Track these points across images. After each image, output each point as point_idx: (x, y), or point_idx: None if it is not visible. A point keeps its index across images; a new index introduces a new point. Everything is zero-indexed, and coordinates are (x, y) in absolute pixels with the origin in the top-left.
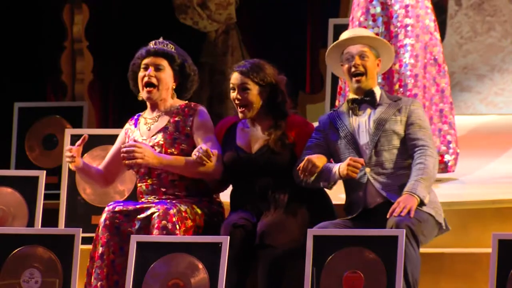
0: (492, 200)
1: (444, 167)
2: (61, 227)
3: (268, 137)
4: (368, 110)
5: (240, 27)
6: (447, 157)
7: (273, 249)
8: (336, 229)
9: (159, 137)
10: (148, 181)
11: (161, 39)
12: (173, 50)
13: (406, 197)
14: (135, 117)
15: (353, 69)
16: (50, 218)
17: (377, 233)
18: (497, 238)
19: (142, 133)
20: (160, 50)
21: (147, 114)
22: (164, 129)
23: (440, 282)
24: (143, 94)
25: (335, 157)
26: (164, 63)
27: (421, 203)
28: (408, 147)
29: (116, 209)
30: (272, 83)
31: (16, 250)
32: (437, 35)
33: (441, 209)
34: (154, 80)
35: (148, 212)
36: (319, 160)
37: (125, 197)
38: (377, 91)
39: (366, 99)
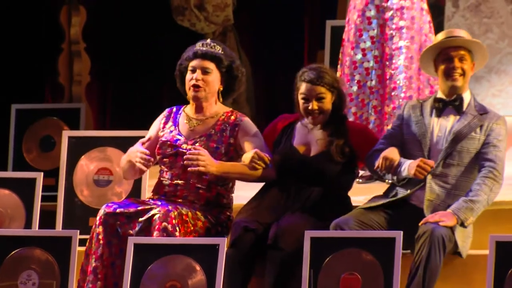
0: (493, 202)
1: None
2: (59, 229)
3: (329, 143)
4: (452, 117)
5: (238, 29)
6: None
7: (284, 252)
8: (333, 231)
9: (202, 142)
10: (177, 181)
11: (208, 41)
12: (220, 52)
13: (447, 213)
14: (174, 109)
15: (451, 71)
16: (48, 220)
17: (374, 235)
18: (494, 240)
19: (181, 130)
20: (207, 53)
21: (190, 111)
22: (208, 136)
23: (438, 283)
24: (190, 94)
25: (404, 149)
26: (211, 65)
27: (462, 224)
28: (479, 163)
29: (118, 211)
30: (338, 87)
31: (13, 252)
32: (433, 36)
33: (469, 241)
34: (201, 83)
35: (149, 214)
36: (394, 153)
37: (123, 199)
38: (466, 98)
39: (453, 103)
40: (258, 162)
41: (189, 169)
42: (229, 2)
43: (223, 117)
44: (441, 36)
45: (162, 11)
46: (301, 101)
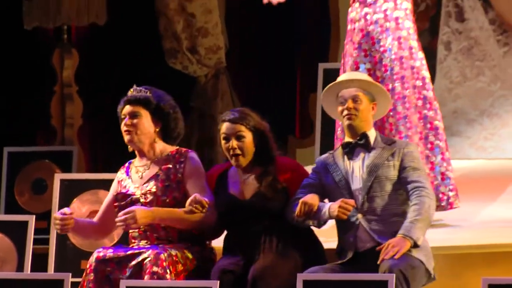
0: (481, 244)
1: (447, 203)
2: (51, 272)
3: (259, 184)
4: (362, 154)
5: (230, 71)
6: (448, 193)
7: None
8: (326, 274)
9: (151, 185)
10: (141, 227)
11: (134, 87)
12: (147, 94)
13: (398, 240)
14: (126, 165)
15: (345, 112)
16: (40, 263)
17: (367, 278)
18: (487, 283)
19: (134, 181)
20: (133, 98)
21: (137, 162)
22: (155, 177)
23: None
24: (126, 142)
25: (329, 200)
26: (140, 109)
27: (415, 245)
28: (404, 190)
29: (107, 256)
30: (260, 129)
31: None
32: (426, 73)
33: (432, 257)
34: (130, 128)
35: (139, 258)
36: (314, 199)
37: (115, 241)
38: (371, 134)
39: (359, 143)
40: (195, 206)
41: (122, 228)
42: (221, 45)
43: (168, 156)
44: (339, 79)
45: (155, 54)
46: (222, 142)
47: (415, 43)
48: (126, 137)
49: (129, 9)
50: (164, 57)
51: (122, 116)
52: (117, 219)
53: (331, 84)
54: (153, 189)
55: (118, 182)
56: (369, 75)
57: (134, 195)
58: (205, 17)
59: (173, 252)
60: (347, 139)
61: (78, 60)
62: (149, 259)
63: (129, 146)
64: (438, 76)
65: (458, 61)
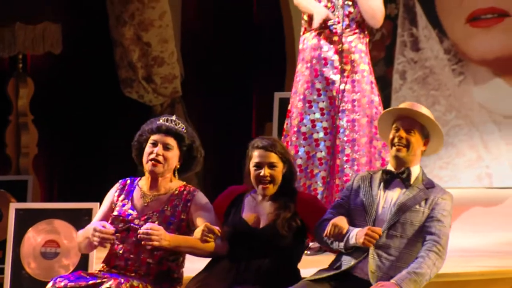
0: (437, 274)
1: None
2: None
3: (276, 217)
4: (398, 189)
5: (186, 100)
6: None
7: None
8: None
9: (154, 219)
10: (128, 256)
11: (174, 117)
12: (183, 130)
13: (390, 284)
14: (129, 182)
15: (395, 140)
16: None
17: None
18: None
19: (135, 206)
20: (171, 129)
21: (145, 186)
22: (161, 212)
23: None
24: (147, 167)
25: (350, 218)
26: (173, 142)
27: None
28: (422, 237)
29: (69, 286)
30: (289, 160)
31: None
32: (381, 109)
33: None
34: (160, 159)
35: None
36: (343, 222)
37: (70, 271)
38: (415, 171)
39: (400, 176)
40: (209, 234)
41: (143, 242)
42: (177, 74)
43: (176, 192)
44: (402, 105)
45: (110, 83)
46: (252, 169)
47: (373, 78)
48: (152, 167)
49: (84, 39)
50: (119, 86)
51: (152, 142)
52: (141, 231)
53: (391, 109)
54: (156, 223)
55: (116, 200)
56: (330, 103)
57: (133, 222)
58: (161, 46)
59: (135, 283)
60: (390, 167)
61: (34, 89)
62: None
63: (144, 170)
64: (393, 105)
65: (413, 90)
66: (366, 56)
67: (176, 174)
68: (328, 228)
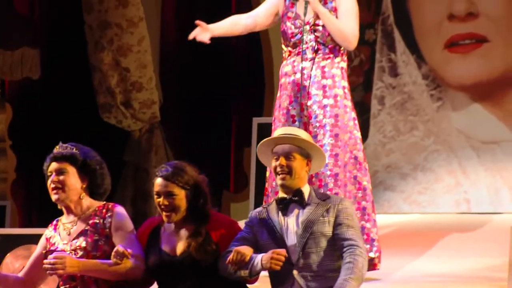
0: None
1: (369, 264)
2: None
3: (189, 244)
4: (296, 211)
5: (164, 126)
6: (371, 255)
7: None
8: None
9: (81, 240)
10: (72, 283)
11: (60, 143)
12: (73, 150)
13: None
14: (54, 222)
15: (278, 169)
16: None
17: None
18: None
19: (62, 238)
20: (59, 154)
21: (65, 219)
22: (84, 232)
23: None
24: (53, 200)
25: (263, 253)
26: (66, 165)
27: None
28: (338, 247)
29: None
30: (195, 185)
31: None
32: (357, 133)
33: None
34: (57, 185)
35: None
36: (246, 249)
37: None
38: (306, 190)
39: (294, 199)
40: (118, 257)
41: (47, 272)
42: (155, 99)
43: (95, 211)
44: (275, 133)
45: (89, 108)
46: (155, 197)
47: (349, 103)
48: (54, 196)
49: (63, 64)
50: (98, 111)
51: (49, 174)
52: (46, 261)
53: (265, 140)
54: (83, 244)
55: (47, 239)
56: (305, 129)
57: (64, 251)
58: (140, 71)
59: None
60: (281, 194)
61: (12, 115)
62: None
63: (58, 204)
64: (371, 130)
65: (391, 115)
66: (341, 80)
67: (85, 194)
68: (231, 255)
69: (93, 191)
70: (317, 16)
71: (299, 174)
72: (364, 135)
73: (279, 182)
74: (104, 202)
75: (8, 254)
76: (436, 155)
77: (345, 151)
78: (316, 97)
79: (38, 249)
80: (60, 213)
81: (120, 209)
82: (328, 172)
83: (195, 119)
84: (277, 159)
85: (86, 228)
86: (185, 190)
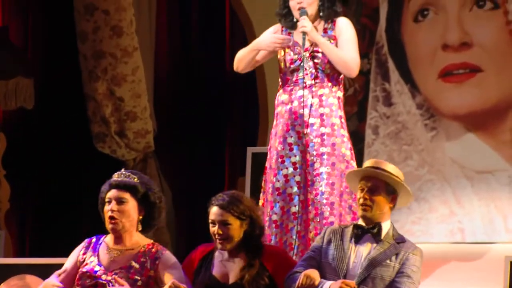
0: None
1: None
2: None
3: (242, 275)
4: (369, 244)
5: (158, 155)
6: None
7: None
8: None
9: (121, 274)
10: None
11: (123, 171)
12: (135, 180)
13: None
14: (94, 240)
15: (361, 201)
16: None
17: None
18: None
19: (101, 260)
20: (121, 183)
21: (112, 243)
22: (128, 268)
23: None
24: (108, 227)
25: (321, 271)
26: (127, 195)
27: None
28: None
29: None
30: (252, 216)
31: None
32: (354, 163)
33: None
34: (116, 215)
35: None
36: (315, 273)
37: None
38: (385, 226)
39: (371, 231)
40: None
41: None
42: (150, 129)
43: (144, 249)
44: (366, 164)
45: (83, 138)
46: (210, 225)
47: (345, 132)
48: (110, 225)
49: (57, 93)
50: (92, 141)
51: (107, 200)
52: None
53: (354, 170)
54: (123, 279)
55: (82, 256)
56: (302, 157)
57: (100, 278)
58: (134, 101)
59: None
60: (361, 222)
61: (6, 144)
62: None
63: (109, 229)
64: (366, 160)
65: (386, 145)
66: (338, 109)
67: (140, 226)
68: (300, 279)
69: (146, 224)
70: (316, 43)
71: (382, 209)
72: (359, 165)
73: (360, 213)
74: (153, 242)
75: (1, 284)
76: (430, 184)
77: (341, 180)
78: (314, 126)
79: (67, 265)
80: (57, 243)
81: (168, 253)
82: (324, 201)
83: (189, 148)
84: (362, 191)
85: (132, 264)
86: (240, 220)
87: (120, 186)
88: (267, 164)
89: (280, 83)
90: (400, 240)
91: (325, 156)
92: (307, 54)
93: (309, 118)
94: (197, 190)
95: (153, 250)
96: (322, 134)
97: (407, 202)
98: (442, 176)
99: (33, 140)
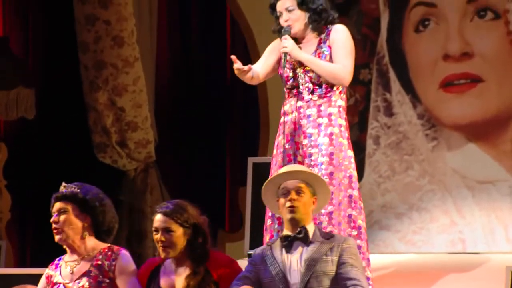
0: None
1: None
2: None
3: (187, 284)
4: (300, 248)
5: (159, 165)
6: None
7: None
8: None
9: (84, 281)
10: None
11: (63, 183)
12: (74, 189)
13: None
14: (56, 261)
15: (288, 204)
16: None
17: None
18: None
19: (64, 277)
20: (60, 194)
21: (68, 257)
22: (87, 273)
23: None
24: (55, 239)
25: None
26: (68, 205)
27: None
28: (341, 287)
29: None
30: (195, 224)
31: None
32: (353, 172)
33: None
34: (57, 225)
35: None
36: None
37: None
38: (310, 228)
39: (298, 236)
40: None
41: None
42: (151, 139)
43: (100, 252)
44: (280, 171)
45: (84, 148)
46: (153, 233)
47: (345, 141)
48: (56, 236)
49: (58, 104)
50: (93, 151)
51: (52, 213)
52: None
53: (274, 175)
54: (86, 285)
55: (47, 278)
56: (289, 160)
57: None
58: (135, 111)
59: None
60: (286, 232)
61: (7, 155)
62: None
63: (58, 241)
64: (367, 170)
65: (387, 155)
66: (337, 118)
67: (88, 233)
68: None
69: (97, 229)
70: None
71: (307, 210)
72: (360, 175)
73: (288, 216)
74: (109, 245)
75: None
76: (431, 194)
77: (340, 190)
78: (312, 136)
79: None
80: (57, 252)
81: (125, 253)
82: (323, 211)
83: (190, 158)
84: (286, 195)
85: (90, 269)
86: (183, 228)
87: (60, 197)
88: (271, 172)
89: (285, 95)
90: (328, 236)
91: (323, 166)
92: (301, 69)
93: (306, 128)
94: (198, 200)
95: (109, 252)
96: (320, 144)
97: (323, 205)
98: (443, 186)
99: (34, 150)
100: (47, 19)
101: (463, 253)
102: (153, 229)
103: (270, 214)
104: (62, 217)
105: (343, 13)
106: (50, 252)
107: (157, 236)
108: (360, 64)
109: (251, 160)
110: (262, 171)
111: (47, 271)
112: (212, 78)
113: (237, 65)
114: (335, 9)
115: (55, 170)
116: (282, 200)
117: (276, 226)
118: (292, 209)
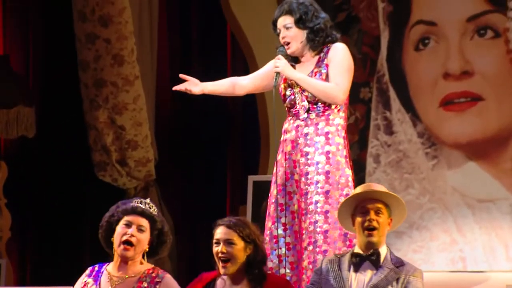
0: None
1: None
2: None
3: None
4: (369, 271)
5: (160, 184)
6: None
7: None
8: None
9: None
10: None
11: (148, 200)
12: (156, 213)
13: None
14: (97, 268)
15: (366, 223)
16: None
17: None
18: None
19: None
20: (145, 211)
21: (113, 270)
22: None
23: None
24: (118, 251)
25: None
26: (147, 224)
27: None
28: None
29: None
30: (256, 241)
31: None
32: (350, 191)
33: None
34: (134, 241)
35: None
36: None
37: None
38: (383, 252)
39: (370, 257)
40: None
41: None
42: (151, 157)
43: (144, 274)
44: (359, 189)
45: (84, 167)
46: (213, 246)
47: (342, 159)
48: (124, 250)
49: (58, 122)
50: (93, 169)
51: (125, 222)
52: None
53: (357, 192)
54: None
55: (84, 284)
56: (297, 186)
57: None
58: (135, 130)
59: None
60: (358, 250)
61: (7, 173)
62: None
63: (114, 251)
64: None
65: (387, 173)
66: (335, 137)
67: (145, 258)
68: None
69: (149, 254)
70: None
71: (384, 232)
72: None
73: (366, 238)
74: (153, 266)
75: None
76: (432, 213)
77: (335, 209)
78: (308, 154)
79: None
80: (57, 270)
81: (169, 278)
82: (318, 229)
83: (190, 177)
84: (365, 214)
85: None
86: (245, 242)
87: (144, 214)
88: (271, 190)
89: (287, 113)
90: (399, 264)
91: (319, 184)
92: (298, 88)
93: (303, 146)
94: (199, 219)
95: (153, 275)
96: (317, 163)
97: (395, 226)
98: (443, 205)
99: (34, 168)
100: (47, 37)
101: (464, 271)
102: (214, 241)
103: (268, 232)
104: (140, 235)
105: (343, 32)
106: (50, 271)
107: (218, 249)
108: (360, 83)
109: (251, 179)
110: (263, 189)
111: (85, 278)
112: (212, 96)
113: (177, 87)
114: (336, 29)
115: (55, 189)
116: (359, 219)
117: (273, 244)
118: (370, 233)
